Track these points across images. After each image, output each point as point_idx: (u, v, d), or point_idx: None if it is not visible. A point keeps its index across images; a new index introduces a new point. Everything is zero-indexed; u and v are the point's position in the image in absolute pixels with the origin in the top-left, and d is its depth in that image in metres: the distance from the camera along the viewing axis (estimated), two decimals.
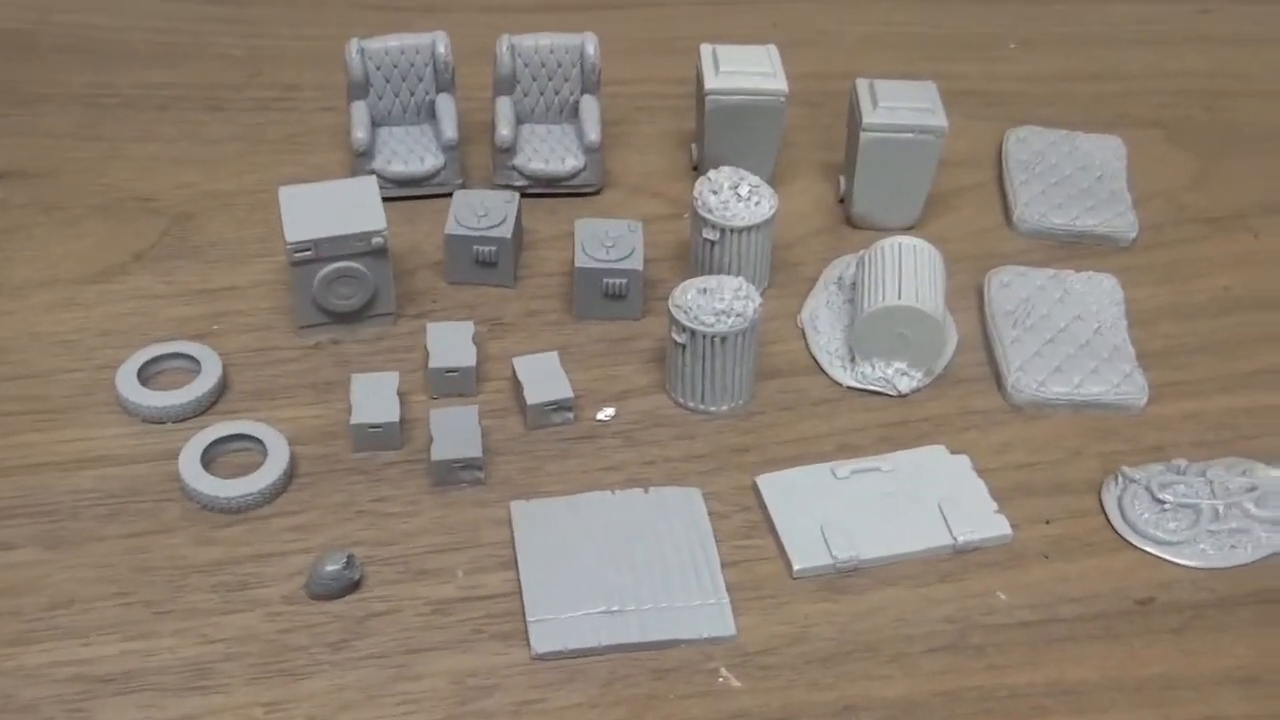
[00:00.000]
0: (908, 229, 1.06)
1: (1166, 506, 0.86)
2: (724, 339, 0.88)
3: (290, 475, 0.87)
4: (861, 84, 1.03)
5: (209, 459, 0.87)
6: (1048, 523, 0.87)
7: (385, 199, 1.05)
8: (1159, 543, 0.85)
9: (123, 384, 0.90)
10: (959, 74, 1.23)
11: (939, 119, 1.01)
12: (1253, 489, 0.87)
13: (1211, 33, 1.30)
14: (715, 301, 0.88)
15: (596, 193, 1.09)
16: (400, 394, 0.91)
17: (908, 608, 0.82)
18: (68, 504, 0.84)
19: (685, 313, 0.88)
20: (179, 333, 0.95)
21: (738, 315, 0.88)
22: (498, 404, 0.92)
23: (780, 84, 1.03)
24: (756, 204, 0.96)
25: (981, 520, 0.85)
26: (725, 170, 0.97)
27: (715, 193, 0.96)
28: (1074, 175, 1.11)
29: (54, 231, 1.03)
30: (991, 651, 0.79)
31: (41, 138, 1.12)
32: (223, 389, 0.92)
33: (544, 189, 1.07)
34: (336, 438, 0.89)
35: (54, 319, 0.96)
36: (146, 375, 0.92)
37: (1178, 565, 0.84)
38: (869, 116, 1.01)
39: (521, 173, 1.07)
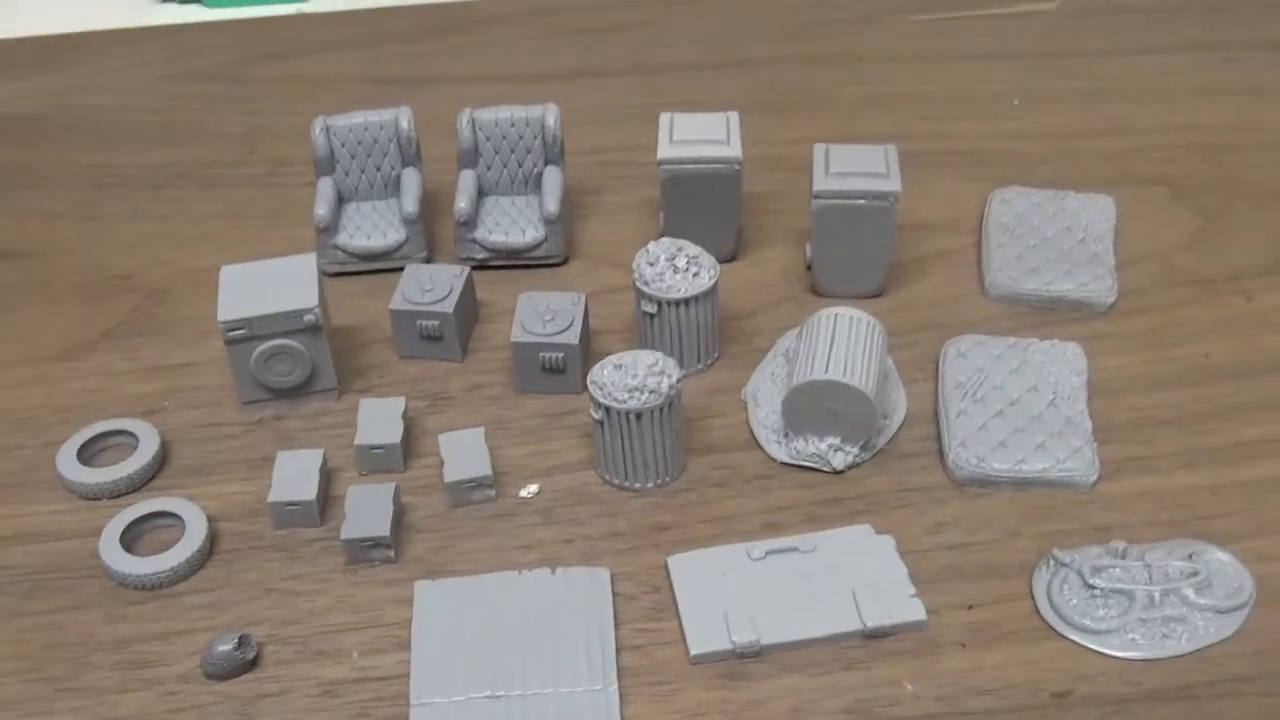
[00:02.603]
0: (873, 296, 1.03)
1: (1097, 592, 0.81)
2: (639, 415, 0.86)
3: (209, 552, 0.88)
4: (818, 150, 1.01)
5: (134, 536, 0.88)
6: (970, 608, 0.82)
7: (350, 273, 1.07)
8: (1085, 631, 0.80)
9: (62, 461, 0.92)
10: (954, 133, 1.19)
11: (892, 184, 0.98)
12: (1194, 574, 0.81)
13: (1231, 83, 1.24)
14: (628, 378, 0.86)
15: (561, 263, 1.08)
16: (331, 470, 0.91)
17: (806, 697, 0.78)
18: None
19: (600, 389, 0.87)
20: (133, 409, 0.97)
21: (651, 391, 0.86)
22: (426, 480, 0.92)
23: (733, 151, 1.01)
24: (694, 275, 0.95)
25: (896, 604, 0.82)
26: (664, 242, 0.96)
27: (651, 264, 0.95)
28: (1056, 237, 1.06)
29: (36, 310, 1.07)
30: None
31: (41, 218, 1.16)
32: (160, 465, 0.93)
33: (507, 261, 1.07)
34: (262, 515, 0.90)
35: (17, 396, 0.99)
36: (90, 452, 0.94)
37: (1104, 656, 0.79)
38: (819, 183, 0.98)
39: (483, 245, 1.07)
